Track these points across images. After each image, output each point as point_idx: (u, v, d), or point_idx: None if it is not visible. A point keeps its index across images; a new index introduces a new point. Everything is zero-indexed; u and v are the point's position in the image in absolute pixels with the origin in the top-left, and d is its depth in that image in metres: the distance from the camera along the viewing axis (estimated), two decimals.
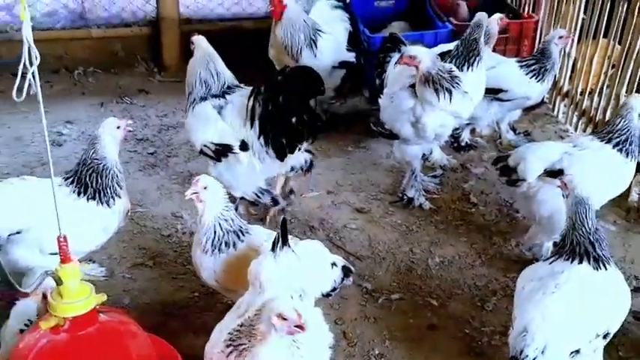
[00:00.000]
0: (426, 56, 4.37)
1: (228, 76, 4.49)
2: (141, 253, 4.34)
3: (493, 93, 5.23)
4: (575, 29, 5.87)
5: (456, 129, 5.23)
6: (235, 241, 3.37)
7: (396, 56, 4.79)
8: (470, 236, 4.56)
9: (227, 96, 4.40)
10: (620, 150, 4.01)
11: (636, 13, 4.88)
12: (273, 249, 2.98)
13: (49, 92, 6.43)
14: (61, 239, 2.64)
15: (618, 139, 4.02)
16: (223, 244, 3.35)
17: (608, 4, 5.35)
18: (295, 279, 3.00)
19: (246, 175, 4.33)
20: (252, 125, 4.17)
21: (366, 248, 4.45)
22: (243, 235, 3.41)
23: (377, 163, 5.42)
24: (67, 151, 5.37)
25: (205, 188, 3.34)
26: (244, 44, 6.75)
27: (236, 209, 4.58)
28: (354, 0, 6.93)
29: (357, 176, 5.24)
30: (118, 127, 3.71)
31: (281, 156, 4.25)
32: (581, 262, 3.09)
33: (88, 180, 3.61)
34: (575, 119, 5.80)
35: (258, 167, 4.30)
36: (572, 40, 5.80)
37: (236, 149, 4.22)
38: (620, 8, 5.18)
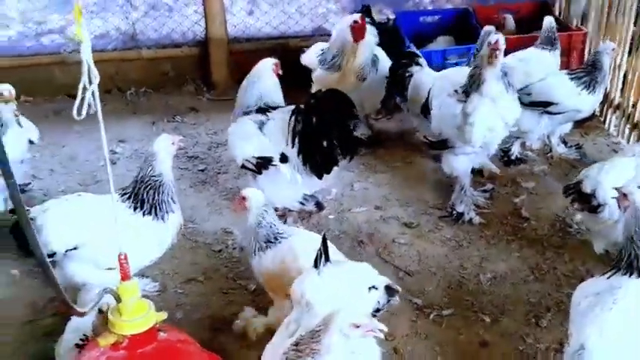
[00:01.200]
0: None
1: (274, 94, 4.57)
2: (193, 269, 4.40)
3: (543, 106, 5.18)
4: (626, 41, 5.77)
5: (506, 142, 5.19)
6: (274, 242, 3.56)
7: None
8: (522, 251, 4.49)
9: (269, 113, 4.51)
10: None
11: None
12: (316, 265, 3.00)
13: (102, 111, 6.57)
14: (122, 256, 2.68)
15: None
16: (264, 245, 3.56)
17: None
18: (341, 294, 3.00)
19: (288, 187, 4.43)
20: (293, 143, 4.28)
21: (416, 263, 4.42)
22: (283, 237, 3.58)
23: (424, 179, 5.39)
24: (120, 169, 5.49)
25: (244, 199, 3.60)
26: (291, 62, 6.85)
27: (285, 222, 4.65)
28: (400, 16, 6.99)
29: (405, 191, 5.22)
30: (173, 144, 3.79)
31: (318, 174, 4.37)
32: (639, 276, 3.01)
33: (145, 196, 3.69)
34: (627, 132, 5.69)
35: (299, 180, 4.40)
36: (623, 52, 5.71)
37: (276, 161, 4.33)
38: None
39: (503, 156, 5.47)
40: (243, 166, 4.48)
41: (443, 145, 4.75)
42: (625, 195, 3.15)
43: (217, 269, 4.39)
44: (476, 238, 4.64)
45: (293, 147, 4.29)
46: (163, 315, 2.81)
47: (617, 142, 5.77)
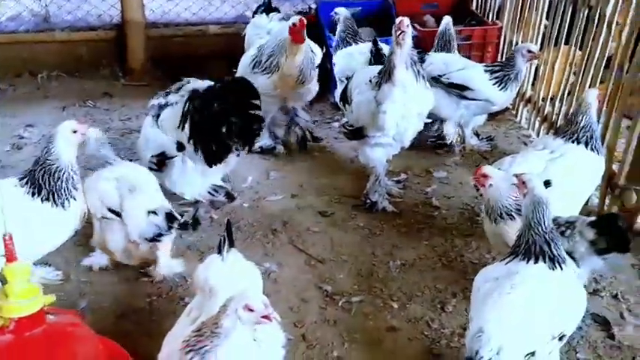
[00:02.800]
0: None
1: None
2: None
3: (460, 89, 5.32)
4: (538, 36, 5.94)
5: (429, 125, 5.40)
6: None
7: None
8: (432, 239, 4.56)
9: (171, 95, 4.42)
10: (592, 148, 4.13)
11: (596, 20, 4.95)
12: (219, 251, 2.96)
13: (12, 95, 6.37)
14: (7, 237, 2.58)
15: (585, 137, 4.12)
16: None
17: (570, 12, 5.42)
18: (244, 279, 2.98)
19: (194, 176, 4.38)
20: (183, 127, 4.18)
21: (328, 251, 4.43)
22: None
23: (342, 168, 5.43)
24: (26, 155, 5.29)
25: None
26: (211, 48, 6.78)
27: (195, 216, 4.58)
28: (321, 6, 6.98)
29: (322, 180, 5.24)
30: (75, 132, 3.65)
31: (209, 162, 4.28)
32: (536, 262, 3.09)
33: (41, 181, 3.54)
34: (537, 125, 5.86)
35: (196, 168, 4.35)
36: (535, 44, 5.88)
37: (172, 152, 4.26)
38: (581, 15, 5.24)
39: (436, 140, 5.66)
40: (150, 169, 4.37)
41: (359, 133, 4.75)
42: (523, 182, 3.22)
43: None
44: (388, 227, 4.69)
45: (182, 130, 4.17)
46: (52, 298, 2.72)
47: (528, 134, 5.94)
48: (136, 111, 6.01)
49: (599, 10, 4.91)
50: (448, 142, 5.60)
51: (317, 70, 5.39)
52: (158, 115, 4.41)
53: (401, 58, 4.30)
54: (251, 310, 2.47)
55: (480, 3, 7.20)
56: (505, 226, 3.67)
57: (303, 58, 5.08)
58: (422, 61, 5.35)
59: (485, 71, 5.38)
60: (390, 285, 4.13)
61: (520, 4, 6.25)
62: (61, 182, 3.57)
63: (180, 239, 4.45)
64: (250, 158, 5.27)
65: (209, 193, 4.51)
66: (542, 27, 5.91)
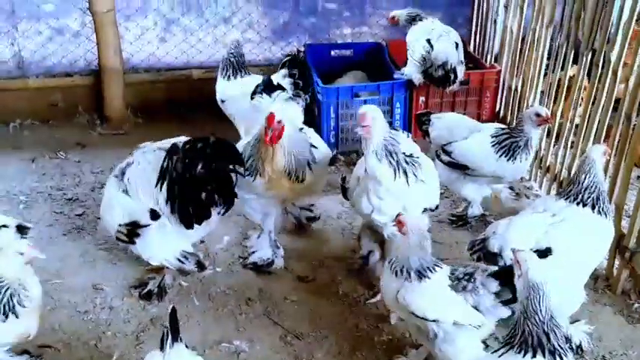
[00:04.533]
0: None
1: None
2: (52, 336, 3.83)
3: (461, 168, 4.80)
4: (538, 80, 5.55)
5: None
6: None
7: None
8: None
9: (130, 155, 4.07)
10: (600, 211, 3.67)
11: (600, 65, 4.57)
12: (161, 347, 2.54)
13: None
14: None
15: (591, 199, 3.68)
16: None
17: (571, 55, 5.05)
18: None
19: (162, 241, 3.95)
20: (161, 187, 3.77)
21: (307, 324, 3.98)
22: None
23: (324, 230, 4.96)
24: None
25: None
26: (194, 92, 6.45)
27: (162, 280, 4.18)
28: (310, 49, 6.66)
29: (304, 241, 4.83)
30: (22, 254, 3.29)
31: (187, 224, 3.86)
32: (534, 355, 2.66)
33: None
34: (545, 183, 5.39)
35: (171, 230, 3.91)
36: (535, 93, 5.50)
37: (146, 220, 3.81)
38: (585, 59, 4.85)
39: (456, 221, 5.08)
40: (118, 239, 3.99)
41: (344, 192, 4.21)
42: (518, 262, 2.80)
43: (80, 336, 3.86)
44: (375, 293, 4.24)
45: (161, 190, 3.77)
46: None
47: (537, 193, 5.45)
48: (110, 163, 5.59)
49: (603, 55, 4.53)
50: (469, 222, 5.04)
51: (318, 156, 4.34)
52: (123, 174, 4.01)
53: (369, 150, 3.69)
54: None
55: (477, 45, 6.85)
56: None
57: (286, 157, 4.11)
58: (427, 125, 4.96)
59: (492, 139, 4.73)
60: None
61: (519, 46, 5.87)
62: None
63: (143, 311, 4.04)
64: (227, 216, 4.85)
65: (178, 260, 4.06)
66: (542, 71, 5.50)
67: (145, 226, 3.84)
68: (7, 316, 3.26)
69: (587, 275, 3.78)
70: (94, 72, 6.45)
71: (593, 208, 3.68)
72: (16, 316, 3.27)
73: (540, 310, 2.69)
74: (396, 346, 3.83)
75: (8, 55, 6.30)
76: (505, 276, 3.19)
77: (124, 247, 4.47)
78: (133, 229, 3.85)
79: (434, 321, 3.26)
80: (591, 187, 3.69)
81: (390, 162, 3.71)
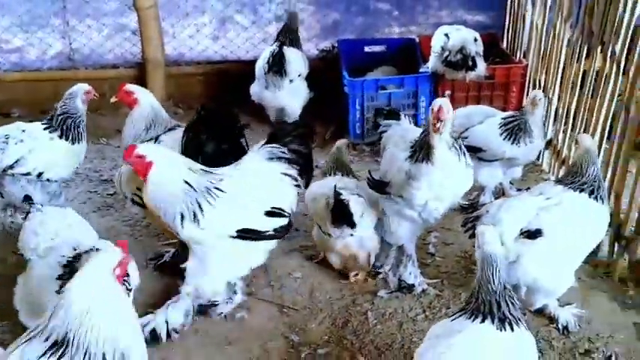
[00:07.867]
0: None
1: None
2: None
3: (474, 151, 4.87)
4: (557, 75, 5.62)
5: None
6: None
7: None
8: None
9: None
10: (596, 197, 3.79)
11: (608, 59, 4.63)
12: None
13: None
14: None
15: (592, 187, 3.79)
16: None
17: (585, 50, 5.11)
18: None
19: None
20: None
21: (306, 298, 4.22)
22: None
23: None
24: None
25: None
26: (231, 86, 6.77)
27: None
28: (342, 44, 6.89)
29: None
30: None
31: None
32: (483, 321, 2.81)
33: None
34: (555, 167, 5.50)
35: None
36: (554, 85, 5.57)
37: None
38: (596, 54, 4.91)
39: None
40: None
41: (382, 187, 4.14)
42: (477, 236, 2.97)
43: None
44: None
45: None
46: None
47: (547, 178, 5.57)
48: None
49: (610, 48, 4.59)
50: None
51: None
52: None
53: (440, 141, 3.76)
54: None
55: (509, 42, 6.92)
56: None
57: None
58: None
59: (500, 122, 4.95)
60: (363, 337, 3.88)
61: (544, 41, 5.93)
62: None
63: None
64: None
65: None
66: (560, 66, 5.56)
67: None
68: None
69: (579, 259, 3.87)
70: (138, 64, 6.88)
71: (591, 194, 3.78)
72: None
73: (493, 281, 2.84)
74: (388, 319, 4.02)
75: (60, 47, 6.80)
76: None
77: (146, 224, 4.86)
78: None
79: None
80: (597, 176, 3.82)
81: (456, 149, 3.83)
